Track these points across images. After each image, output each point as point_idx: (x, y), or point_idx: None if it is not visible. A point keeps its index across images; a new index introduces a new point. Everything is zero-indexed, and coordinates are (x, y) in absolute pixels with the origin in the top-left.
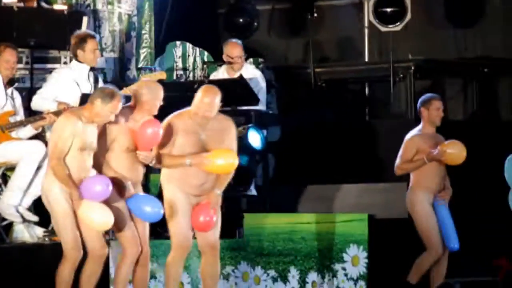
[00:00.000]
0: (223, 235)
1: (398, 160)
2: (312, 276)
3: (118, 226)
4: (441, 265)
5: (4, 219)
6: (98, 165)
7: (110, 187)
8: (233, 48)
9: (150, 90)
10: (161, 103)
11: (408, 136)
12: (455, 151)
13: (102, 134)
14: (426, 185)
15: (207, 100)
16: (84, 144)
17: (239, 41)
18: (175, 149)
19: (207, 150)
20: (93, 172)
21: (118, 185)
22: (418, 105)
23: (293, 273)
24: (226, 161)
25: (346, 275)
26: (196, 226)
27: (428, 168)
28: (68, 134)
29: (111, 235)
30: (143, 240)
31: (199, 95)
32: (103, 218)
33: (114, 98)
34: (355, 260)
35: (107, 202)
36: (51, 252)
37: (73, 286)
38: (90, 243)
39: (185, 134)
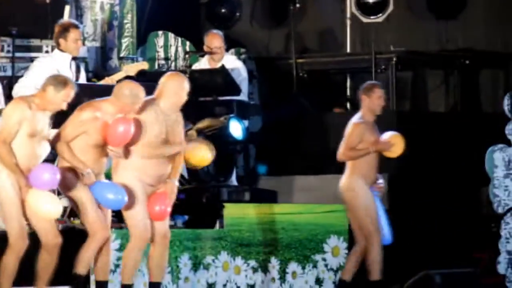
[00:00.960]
0: (204, 225)
1: (342, 146)
2: (293, 267)
3: (83, 211)
4: (378, 255)
5: None
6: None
7: (58, 176)
8: (213, 39)
9: (131, 93)
10: (140, 104)
11: (353, 122)
12: (398, 144)
13: (73, 124)
14: (365, 174)
15: (187, 86)
16: (34, 131)
17: (220, 32)
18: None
19: (167, 140)
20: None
21: (77, 172)
22: (359, 92)
23: (274, 263)
24: (204, 154)
25: (326, 265)
26: (152, 215)
27: (369, 159)
28: (15, 120)
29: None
30: (106, 226)
31: (174, 84)
32: (51, 207)
33: (67, 86)
34: (335, 250)
35: (69, 189)
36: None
37: (17, 276)
38: (43, 233)
39: (151, 124)
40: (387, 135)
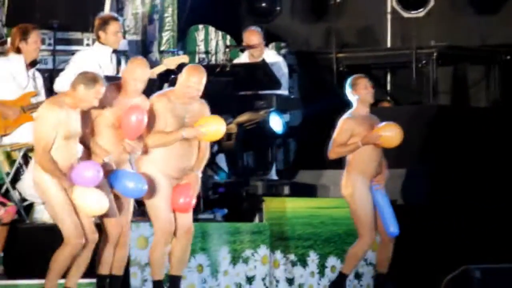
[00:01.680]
0: (243, 219)
1: (331, 144)
2: (332, 261)
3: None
4: (385, 252)
5: (24, 200)
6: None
7: (101, 173)
8: (251, 36)
9: (136, 68)
10: (141, 84)
11: (341, 118)
12: (390, 134)
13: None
14: (362, 169)
15: (195, 80)
16: (69, 132)
17: (258, 28)
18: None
19: None
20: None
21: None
22: (346, 89)
23: (313, 258)
24: (218, 127)
25: (365, 260)
26: (176, 208)
27: (363, 152)
28: (52, 126)
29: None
30: (125, 219)
31: (185, 75)
32: (98, 203)
33: (97, 83)
34: (374, 245)
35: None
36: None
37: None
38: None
39: (169, 117)
40: (379, 126)
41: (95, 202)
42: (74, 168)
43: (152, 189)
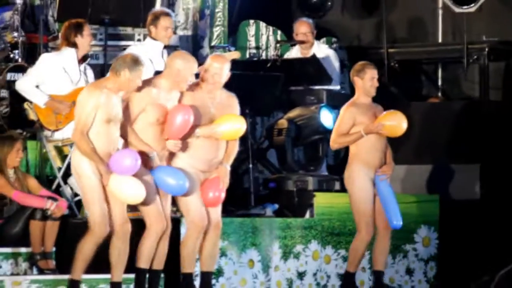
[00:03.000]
0: (294, 214)
1: (333, 134)
2: None
3: (144, 200)
4: (381, 246)
5: (76, 195)
6: (124, 135)
7: (139, 161)
8: (301, 25)
9: (184, 61)
10: (193, 77)
11: (343, 107)
12: (394, 123)
13: (130, 103)
14: (365, 159)
15: (217, 65)
16: (110, 116)
17: (309, 20)
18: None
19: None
20: (121, 142)
21: (144, 157)
22: (351, 74)
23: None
24: (235, 126)
25: (416, 255)
26: (206, 202)
27: (366, 142)
28: (91, 108)
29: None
30: (166, 214)
31: (208, 64)
32: (135, 191)
33: (140, 63)
34: (425, 241)
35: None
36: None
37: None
38: (114, 219)
39: (197, 109)
40: (382, 114)
41: (131, 190)
42: (112, 156)
43: None
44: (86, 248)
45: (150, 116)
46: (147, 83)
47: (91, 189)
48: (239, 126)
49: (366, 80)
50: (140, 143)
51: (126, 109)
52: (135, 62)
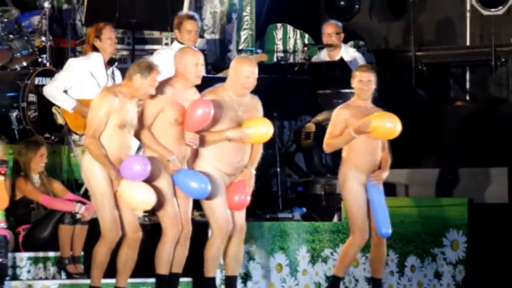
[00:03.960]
0: (322, 218)
1: (326, 136)
2: (411, 260)
3: (159, 204)
4: (378, 254)
5: None
6: (142, 139)
7: (149, 167)
8: (327, 27)
9: (187, 55)
10: (201, 68)
11: (336, 109)
12: (381, 124)
13: (146, 106)
14: (355, 163)
15: (250, 69)
16: (123, 121)
17: (338, 22)
18: (215, 126)
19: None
20: (135, 144)
21: (162, 161)
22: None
23: (392, 257)
24: (265, 130)
25: (445, 259)
26: (231, 205)
27: (357, 145)
28: (103, 112)
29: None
30: (185, 218)
31: (238, 68)
32: (145, 197)
33: (152, 70)
34: (454, 244)
35: (149, 180)
36: (151, 232)
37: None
38: (125, 226)
39: (223, 111)
40: (373, 114)
41: (141, 196)
42: (123, 162)
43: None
44: (99, 254)
45: (168, 116)
46: (162, 84)
47: (102, 195)
48: (268, 130)
49: (356, 83)
50: (159, 147)
51: (142, 114)
52: (149, 68)
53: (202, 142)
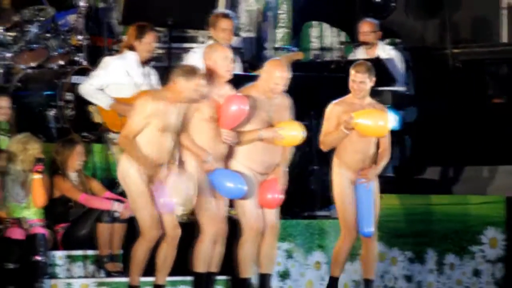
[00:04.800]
0: None
1: (321, 134)
2: (450, 258)
3: (198, 203)
4: (367, 254)
5: None
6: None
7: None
8: (363, 25)
9: (212, 50)
10: (230, 62)
11: (328, 106)
12: (366, 121)
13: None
14: (344, 160)
15: (278, 74)
16: (165, 126)
17: (374, 20)
18: (246, 126)
19: (272, 126)
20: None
21: (198, 160)
22: None
23: (431, 255)
24: (297, 133)
25: (484, 257)
26: (263, 203)
27: (346, 143)
28: (143, 116)
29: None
30: (222, 217)
31: (270, 71)
32: (182, 202)
33: (196, 74)
34: (493, 242)
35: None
36: (189, 230)
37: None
38: (164, 224)
39: (254, 111)
40: (360, 111)
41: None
42: (159, 187)
43: None
44: (139, 253)
45: (204, 113)
46: None
47: (139, 195)
48: (299, 133)
49: (350, 81)
50: (195, 147)
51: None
52: (191, 72)
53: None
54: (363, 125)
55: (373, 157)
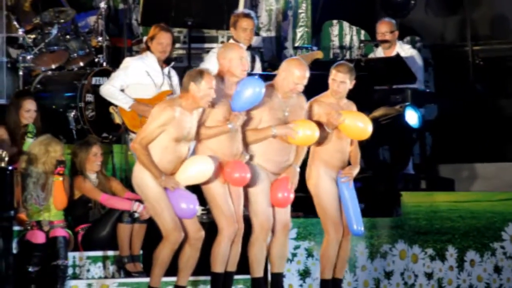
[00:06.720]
0: (380, 214)
1: None
2: (471, 255)
3: (215, 204)
4: (341, 252)
5: None
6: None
7: (197, 207)
8: (380, 25)
9: (227, 50)
10: (246, 62)
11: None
12: (353, 123)
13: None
14: (325, 159)
15: (298, 74)
16: (180, 135)
17: (391, 20)
18: (261, 125)
19: (288, 123)
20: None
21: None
22: None
23: (451, 252)
24: (311, 132)
25: (505, 253)
26: (274, 202)
27: (327, 142)
28: (158, 124)
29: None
30: (238, 216)
31: (291, 71)
32: (203, 167)
33: (203, 74)
34: None
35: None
36: (208, 230)
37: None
38: (187, 227)
39: (270, 110)
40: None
41: (198, 167)
42: (172, 194)
43: (252, 185)
44: (163, 255)
45: (217, 114)
46: None
47: (158, 199)
48: (313, 133)
49: (330, 80)
50: (207, 150)
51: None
52: (200, 73)
53: (249, 140)
54: (350, 127)
55: (348, 156)
